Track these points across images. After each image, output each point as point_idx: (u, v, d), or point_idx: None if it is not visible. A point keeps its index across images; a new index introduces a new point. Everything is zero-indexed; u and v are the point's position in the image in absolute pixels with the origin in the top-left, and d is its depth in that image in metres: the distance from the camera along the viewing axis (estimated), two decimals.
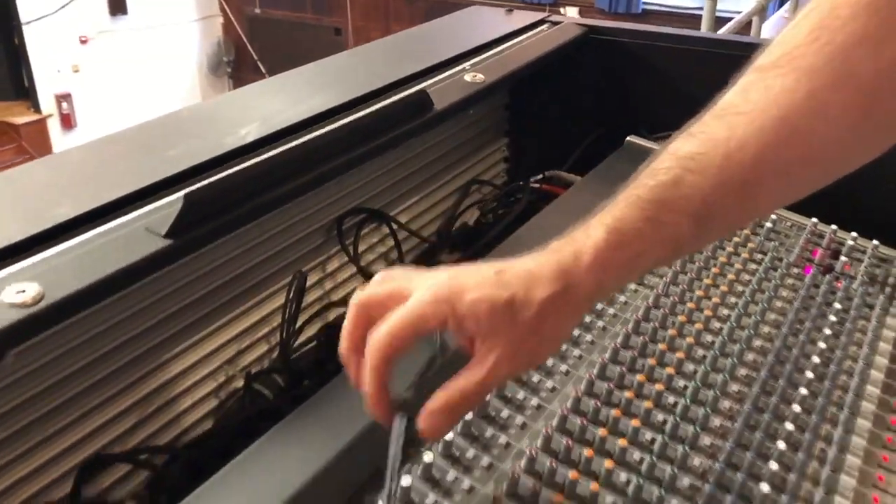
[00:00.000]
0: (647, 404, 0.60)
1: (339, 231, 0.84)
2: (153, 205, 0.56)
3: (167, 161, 0.60)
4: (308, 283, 0.79)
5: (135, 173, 0.59)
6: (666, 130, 0.71)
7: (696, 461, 0.55)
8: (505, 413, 0.58)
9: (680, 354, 0.66)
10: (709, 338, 0.69)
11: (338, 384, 0.58)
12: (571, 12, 5.21)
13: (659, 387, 0.61)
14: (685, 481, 0.54)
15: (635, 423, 0.58)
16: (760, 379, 0.65)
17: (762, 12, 2.74)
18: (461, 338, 0.47)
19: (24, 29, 5.44)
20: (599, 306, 0.71)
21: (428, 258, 0.94)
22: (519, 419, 0.57)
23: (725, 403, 0.62)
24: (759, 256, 0.81)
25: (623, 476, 0.53)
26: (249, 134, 0.66)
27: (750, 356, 0.67)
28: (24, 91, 5.87)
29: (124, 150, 0.65)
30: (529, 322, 0.45)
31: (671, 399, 0.61)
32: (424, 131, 0.76)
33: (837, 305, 0.75)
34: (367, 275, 0.86)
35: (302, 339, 0.79)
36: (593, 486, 0.52)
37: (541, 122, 1.10)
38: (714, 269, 0.78)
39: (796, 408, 0.62)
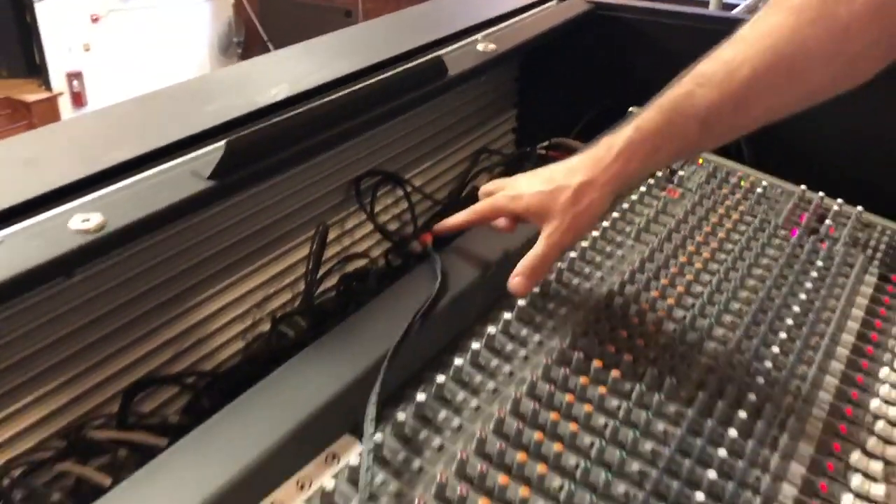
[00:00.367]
0: (640, 342, 0.66)
1: (357, 191, 0.90)
2: (196, 152, 0.62)
3: (207, 115, 0.66)
4: (328, 239, 0.85)
5: (179, 124, 0.65)
6: None
7: (682, 393, 0.61)
8: (494, 363, 0.63)
9: (671, 301, 0.72)
10: (698, 288, 0.75)
11: (356, 320, 0.64)
12: None
13: (651, 328, 0.68)
14: (671, 408, 0.60)
15: (628, 357, 0.64)
16: (744, 324, 0.71)
17: None
18: (536, 222, 0.66)
19: (36, 7, 5.47)
20: (598, 257, 0.77)
21: (439, 220, 1.00)
22: (506, 367, 0.62)
23: (710, 345, 0.68)
24: (749, 219, 0.87)
25: (602, 420, 0.58)
26: (280, 93, 0.72)
27: (735, 305, 0.73)
28: (36, 69, 5.91)
29: (166, 105, 0.71)
30: (569, 202, 0.63)
31: (662, 340, 0.68)
32: (439, 95, 0.82)
33: (819, 263, 0.81)
34: (383, 232, 0.92)
35: (323, 288, 0.85)
36: (573, 425, 0.57)
37: (548, 95, 1.15)
38: (706, 229, 0.84)
39: (775, 349, 0.68)
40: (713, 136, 0.65)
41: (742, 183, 0.93)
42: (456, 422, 0.57)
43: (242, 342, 0.81)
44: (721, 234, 0.83)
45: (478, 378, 0.61)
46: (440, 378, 0.58)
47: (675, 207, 0.87)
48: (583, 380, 0.60)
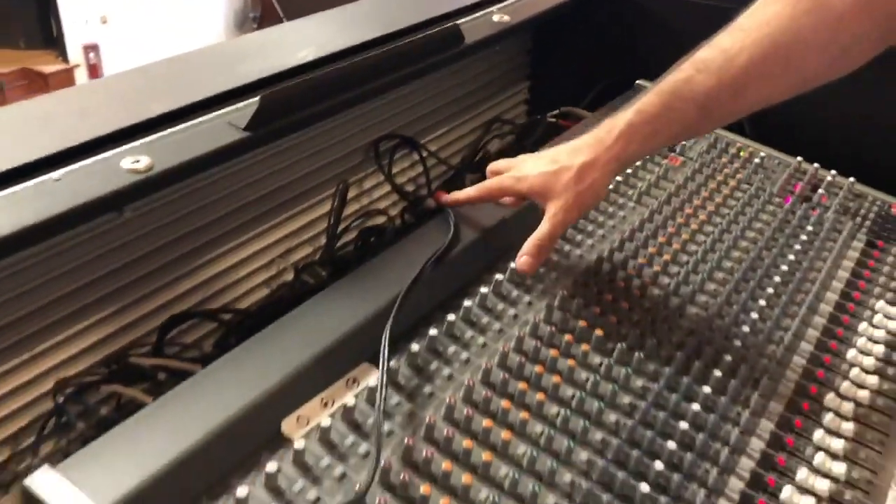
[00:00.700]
0: (637, 292, 0.72)
1: (376, 152, 0.95)
2: (232, 106, 0.68)
3: (240, 73, 0.72)
4: (348, 197, 0.91)
5: (215, 81, 0.70)
6: None
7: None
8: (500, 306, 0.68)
9: (667, 257, 0.77)
10: (693, 247, 0.80)
11: (375, 264, 0.69)
12: None
13: (647, 281, 0.73)
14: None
15: (625, 304, 0.70)
16: (734, 280, 0.76)
17: None
18: (540, 201, 0.68)
19: None
20: (600, 217, 0.82)
21: (452, 183, 1.05)
22: (511, 311, 0.68)
23: (702, 298, 0.73)
24: (746, 186, 0.92)
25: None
26: (308, 55, 0.77)
27: (728, 263, 0.78)
28: (53, 40, 5.95)
29: (202, 64, 0.77)
30: (572, 181, 0.66)
31: (656, 291, 0.73)
32: (455, 62, 0.87)
33: (810, 228, 0.86)
34: (399, 191, 0.97)
35: (342, 242, 0.91)
36: (570, 361, 0.63)
37: (560, 68, 1.20)
38: (704, 194, 0.89)
39: (760, 305, 0.74)
40: (711, 121, 0.69)
41: (741, 153, 0.98)
42: (464, 355, 0.62)
43: (267, 290, 0.87)
44: (718, 200, 0.88)
45: (485, 319, 0.66)
46: (451, 317, 0.64)
47: (675, 174, 0.92)
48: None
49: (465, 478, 0.52)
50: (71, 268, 0.62)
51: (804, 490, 0.57)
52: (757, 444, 0.60)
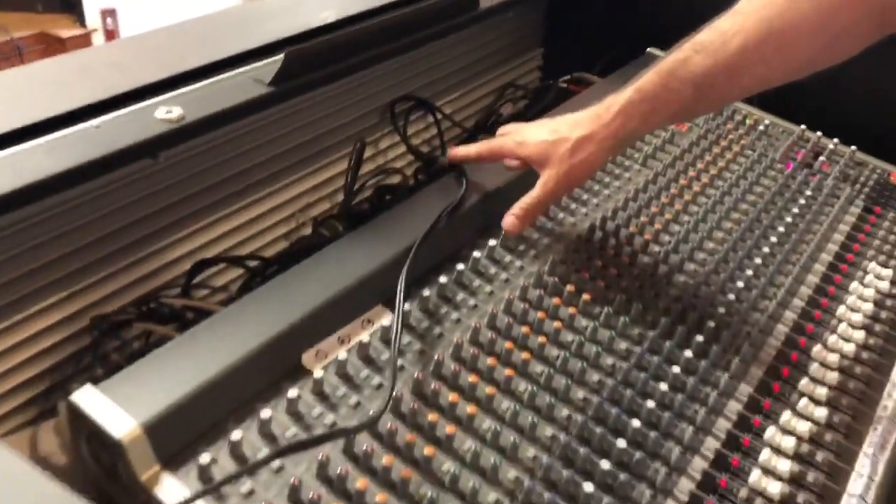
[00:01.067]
0: (637, 247, 0.75)
1: (392, 113, 0.99)
2: (258, 63, 0.72)
3: (265, 32, 0.76)
4: (365, 156, 0.95)
5: (242, 40, 0.74)
6: None
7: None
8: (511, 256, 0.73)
9: (667, 217, 0.81)
10: (694, 208, 0.84)
11: (390, 215, 0.73)
12: None
13: (647, 236, 0.77)
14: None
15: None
16: (733, 239, 0.79)
17: None
18: (537, 168, 0.71)
19: None
20: (606, 178, 0.85)
21: (466, 144, 1.09)
22: (518, 262, 0.72)
23: (700, 255, 0.77)
24: (749, 152, 0.95)
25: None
26: (329, 17, 0.81)
27: (727, 224, 0.82)
28: (70, 4, 5.97)
29: (229, 23, 0.81)
30: (567, 153, 0.69)
31: (655, 248, 0.77)
32: (471, 25, 0.90)
33: (808, 193, 0.89)
34: (414, 152, 1.01)
35: (359, 199, 0.95)
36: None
37: (574, 35, 1.23)
38: (708, 158, 0.92)
39: (757, 261, 0.77)
40: (707, 102, 0.71)
41: (747, 120, 1.01)
42: (472, 302, 0.67)
43: (286, 242, 0.91)
44: (721, 165, 0.91)
45: (492, 269, 0.70)
46: (460, 266, 0.68)
47: (681, 139, 0.95)
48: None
49: (470, 409, 0.57)
50: (108, 212, 0.66)
51: (786, 431, 0.62)
52: (745, 389, 0.64)
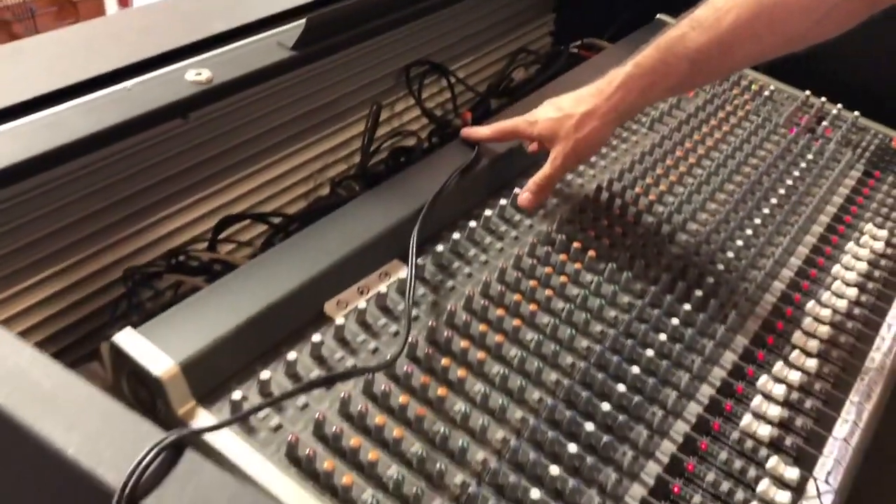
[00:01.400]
0: (641, 207, 0.79)
1: (407, 77, 1.02)
2: (281, 27, 0.75)
3: None
4: (381, 119, 0.98)
5: (265, 5, 0.77)
6: None
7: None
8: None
9: (670, 180, 0.84)
10: (698, 171, 0.87)
11: (405, 175, 0.77)
12: None
13: (652, 197, 0.80)
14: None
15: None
16: (734, 201, 0.83)
17: None
18: (547, 145, 0.75)
19: None
20: (614, 142, 0.89)
21: (478, 109, 1.12)
22: (528, 221, 0.75)
23: (702, 216, 0.80)
24: (754, 117, 0.98)
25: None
26: None
27: (729, 186, 0.85)
28: None
29: None
30: (573, 129, 0.72)
31: (659, 209, 0.80)
32: None
33: (810, 157, 0.92)
34: (428, 115, 1.04)
35: (375, 161, 0.99)
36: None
37: (586, 1, 1.24)
38: (713, 123, 0.95)
39: (757, 221, 0.81)
40: (702, 75, 0.74)
41: (752, 86, 1.03)
42: (483, 257, 0.70)
43: (304, 202, 0.95)
44: (725, 129, 0.94)
45: (503, 227, 0.74)
46: (472, 224, 0.72)
47: (687, 104, 0.97)
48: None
49: (480, 355, 0.61)
50: (139, 169, 0.70)
51: (778, 380, 0.66)
52: (741, 342, 0.68)
